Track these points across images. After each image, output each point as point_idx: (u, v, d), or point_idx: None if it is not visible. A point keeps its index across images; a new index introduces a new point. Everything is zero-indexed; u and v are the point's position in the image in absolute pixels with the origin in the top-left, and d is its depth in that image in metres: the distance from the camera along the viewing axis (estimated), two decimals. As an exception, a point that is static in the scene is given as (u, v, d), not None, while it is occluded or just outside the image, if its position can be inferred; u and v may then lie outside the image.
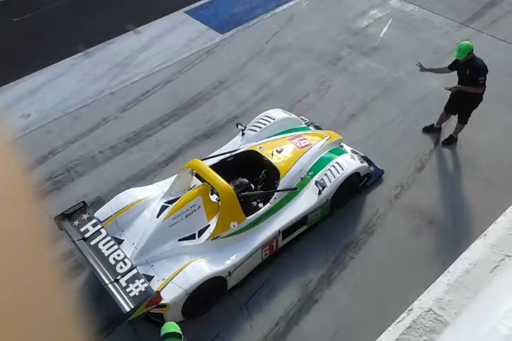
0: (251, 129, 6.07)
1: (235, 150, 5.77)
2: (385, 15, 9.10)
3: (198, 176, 5.25)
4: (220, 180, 4.87)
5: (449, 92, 6.13)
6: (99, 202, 5.81)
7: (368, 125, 6.99)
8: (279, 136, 5.95)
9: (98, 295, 4.89)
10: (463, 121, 6.43)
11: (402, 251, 5.46)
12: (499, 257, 1.71)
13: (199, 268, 4.60)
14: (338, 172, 5.45)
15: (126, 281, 4.39)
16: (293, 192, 5.38)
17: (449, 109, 6.45)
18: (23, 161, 0.53)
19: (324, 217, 5.68)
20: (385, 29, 8.82)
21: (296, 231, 5.39)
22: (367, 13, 9.11)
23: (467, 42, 5.88)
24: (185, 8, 9.40)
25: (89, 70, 8.14)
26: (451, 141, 6.66)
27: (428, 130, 6.85)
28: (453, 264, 1.77)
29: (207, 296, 4.71)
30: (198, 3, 9.56)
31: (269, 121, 6.08)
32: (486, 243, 1.79)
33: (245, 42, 8.62)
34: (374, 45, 8.46)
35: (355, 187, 5.83)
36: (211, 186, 4.98)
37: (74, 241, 4.81)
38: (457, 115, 6.47)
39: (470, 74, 5.84)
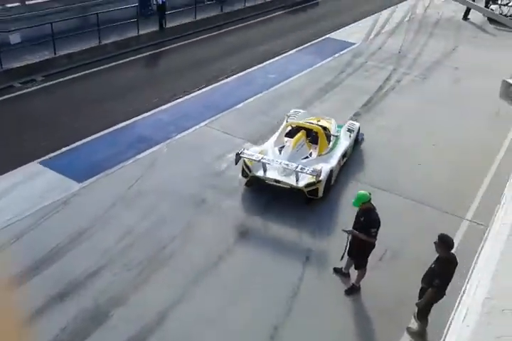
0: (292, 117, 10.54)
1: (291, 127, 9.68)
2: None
3: (287, 134, 9.41)
4: (314, 125, 9.45)
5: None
6: None
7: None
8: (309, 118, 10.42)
9: None
10: (358, 267, 6.55)
11: None
12: None
13: (325, 167, 8.50)
14: (354, 125, 10.36)
15: (300, 169, 8.17)
16: (337, 138, 9.61)
17: (349, 252, 6.53)
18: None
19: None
20: (243, 170, 9.43)
21: (344, 159, 9.57)
22: (224, 157, 9.76)
23: (365, 192, 6.26)
24: (41, 159, 9.19)
25: None
26: (352, 291, 6.65)
27: (337, 271, 6.93)
28: None
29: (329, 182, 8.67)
30: (54, 154, 9.44)
31: (299, 112, 10.82)
32: None
33: (107, 189, 8.51)
34: (235, 186, 8.92)
35: (358, 141, 10.51)
36: (308, 130, 9.31)
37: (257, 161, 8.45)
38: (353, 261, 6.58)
39: (364, 222, 6.17)
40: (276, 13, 21.03)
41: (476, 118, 12.03)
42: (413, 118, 11.97)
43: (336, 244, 6.93)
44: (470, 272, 4.96)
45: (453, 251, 5.63)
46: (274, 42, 17.29)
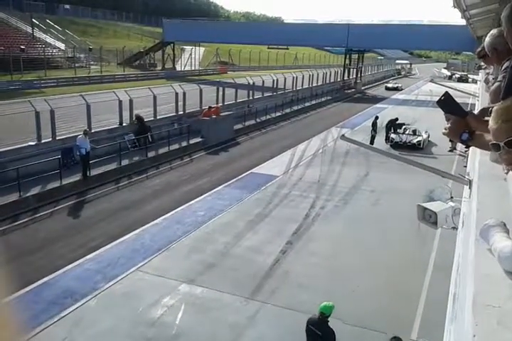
0: None
1: None
2: (176, 302, 9.25)
3: None
4: None
5: None
6: None
7: None
8: None
9: None
10: None
11: None
12: None
13: None
14: None
15: None
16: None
17: None
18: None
19: None
20: (180, 315, 8.82)
21: None
22: (159, 303, 9.15)
23: (331, 304, 6.94)
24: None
25: None
26: None
27: None
28: None
29: None
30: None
31: None
32: None
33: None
34: (172, 333, 8.22)
35: None
36: None
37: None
38: None
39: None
40: (198, 155, 22.15)
41: (400, 235, 12.53)
42: (342, 242, 12.23)
43: None
44: None
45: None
46: (200, 180, 17.87)
